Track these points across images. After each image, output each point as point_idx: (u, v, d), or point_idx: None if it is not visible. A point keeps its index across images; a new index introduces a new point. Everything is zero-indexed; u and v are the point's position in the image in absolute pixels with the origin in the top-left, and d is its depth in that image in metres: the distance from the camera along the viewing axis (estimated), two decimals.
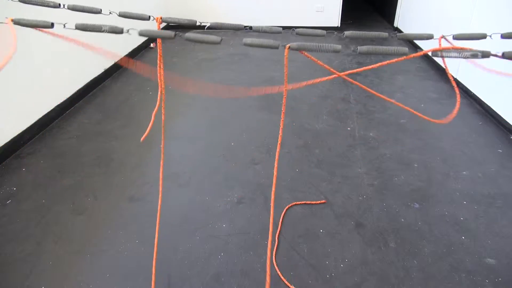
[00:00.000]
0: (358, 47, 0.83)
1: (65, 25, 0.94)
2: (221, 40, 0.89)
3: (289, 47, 0.83)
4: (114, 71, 3.85)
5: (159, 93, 0.99)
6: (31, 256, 1.66)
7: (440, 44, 1.13)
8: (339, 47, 0.82)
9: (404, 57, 0.81)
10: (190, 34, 0.91)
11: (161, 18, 1.21)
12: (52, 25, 0.94)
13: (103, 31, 0.91)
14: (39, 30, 0.96)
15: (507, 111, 2.68)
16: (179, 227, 1.83)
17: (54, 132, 2.70)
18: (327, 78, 1.10)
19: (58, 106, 2.90)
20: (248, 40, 0.88)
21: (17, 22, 0.95)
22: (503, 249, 1.68)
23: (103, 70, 3.63)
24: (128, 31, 0.92)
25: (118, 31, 0.92)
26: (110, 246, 1.71)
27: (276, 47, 0.85)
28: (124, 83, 3.63)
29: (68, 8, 1.32)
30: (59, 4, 1.34)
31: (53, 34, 0.98)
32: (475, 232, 1.78)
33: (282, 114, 0.95)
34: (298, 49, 0.82)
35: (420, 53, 0.84)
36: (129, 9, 1.44)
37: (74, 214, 1.91)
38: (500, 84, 2.80)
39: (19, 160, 2.37)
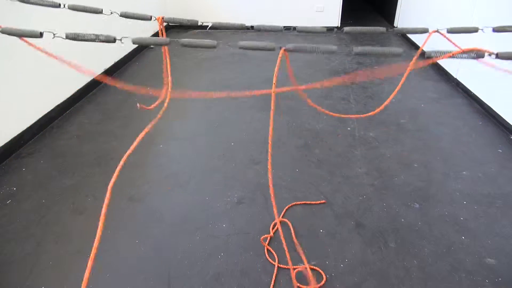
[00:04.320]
0: (354, 48, 0.83)
1: (55, 34, 0.92)
2: (217, 44, 0.89)
3: (285, 49, 0.83)
4: (114, 71, 3.85)
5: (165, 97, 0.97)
6: (31, 256, 1.66)
7: (427, 38, 1.15)
8: (334, 47, 0.83)
9: (407, 65, 0.81)
10: (186, 40, 0.91)
11: (162, 18, 1.21)
12: (41, 35, 0.92)
13: (95, 41, 0.90)
14: (24, 40, 0.93)
15: (507, 111, 2.68)
16: (179, 227, 1.83)
17: (54, 132, 2.70)
18: (312, 85, 1.10)
19: (58, 106, 2.90)
20: (243, 42, 0.88)
21: (4, 31, 0.93)
22: (503, 249, 1.68)
23: (103, 70, 3.63)
24: (121, 39, 0.91)
25: (110, 40, 0.91)
26: (110, 246, 1.71)
27: (272, 49, 0.85)
28: (124, 83, 3.62)
29: (69, 8, 1.32)
30: (59, 4, 1.34)
31: (34, 47, 0.96)
32: (475, 232, 1.78)
33: (271, 116, 0.95)
34: (294, 51, 0.83)
35: (415, 56, 0.84)
36: (130, 9, 1.44)
37: (74, 214, 1.91)
38: (500, 84, 2.79)
39: (19, 160, 2.37)
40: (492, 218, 1.86)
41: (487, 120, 2.84)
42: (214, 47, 0.90)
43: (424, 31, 1.15)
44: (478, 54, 0.76)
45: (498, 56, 0.75)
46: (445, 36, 1.12)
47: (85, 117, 2.93)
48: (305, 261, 1.58)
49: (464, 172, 2.22)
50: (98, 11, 1.38)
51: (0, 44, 2.33)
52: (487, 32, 1.07)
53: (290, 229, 1.80)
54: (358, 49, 0.82)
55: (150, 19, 1.37)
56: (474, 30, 1.09)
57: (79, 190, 2.08)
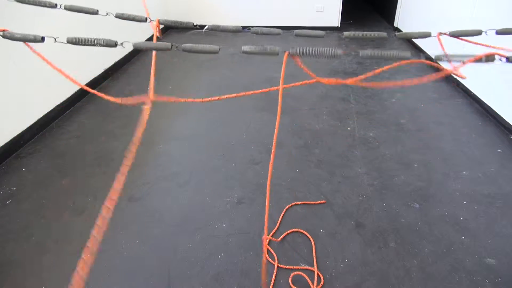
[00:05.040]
0: (360, 51, 0.83)
1: (56, 39, 0.92)
2: (219, 49, 0.89)
3: (289, 53, 0.83)
4: (114, 71, 3.85)
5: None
6: (31, 256, 1.66)
7: (440, 40, 1.13)
8: (339, 51, 0.82)
9: (407, 61, 0.81)
10: (188, 45, 0.90)
11: (158, 20, 1.20)
12: (42, 39, 0.93)
13: (96, 45, 0.90)
14: (27, 45, 0.93)
15: (507, 111, 2.68)
16: (179, 227, 1.83)
17: (54, 132, 2.70)
18: (302, 83, 1.10)
19: (58, 106, 2.90)
20: (247, 47, 0.88)
21: (6, 36, 0.93)
22: (503, 249, 1.68)
23: (103, 70, 3.63)
24: (122, 44, 0.91)
25: (111, 44, 0.91)
26: (110, 246, 1.71)
27: (276, 54, 0.85)
28: (124, 83, 3.63)
29: (65, 9, 1.32)
30: (56, 4, 1.34)
31: (37, 54, 0.96)
32: (475, 232, 1.78)
33: (278, 114, 0.95)
34: (298, 55, 0.82)
35: (419, 61, 0.84)
36: (128, 10, 1.44)
37: (74, 214, 1.91)
38: (500, 84, 2.79)
39: (19, 160, 2.37)
40: (492, 218, 1.86)
41: (487, 120, 2.84)
42: (216, 52, 0.90)
43: (426, 35, 1.14)
44: (488, 59, 0.76)
45: (509, 60, 0.75)
46: (448, 36, 1.12)
47: (85, 117, 2.93)
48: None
49: (464, 172, 2.22)
50: (94, 12, 1.38)
51: (0, 44, 2.33)
52: (490, 35, 1.07)
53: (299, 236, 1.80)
54: (366, 53, 0.82)
55: (146, 21, 1.37)
56: (478, 33, 1.09)
57: (79, 190, 2.08)
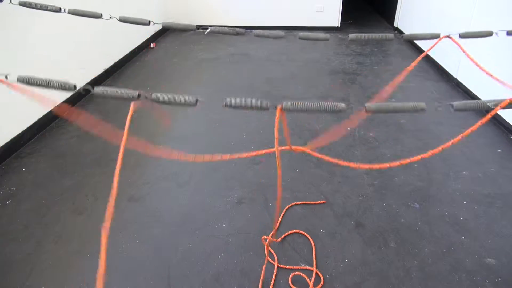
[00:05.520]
0: (366, 105, 0.72)
1: (7, 76, 0.86)
2: (196, 102, 0.80)
3: (281, 108, 0.71)
4: (114, 71, 3.85)
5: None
6: (31, 256, 1.66)
7: (436, 43, 1.12)
8: (342, 105, 0.71)
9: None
10: (159, 96, 0.81)
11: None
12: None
13: (51, 87, 0.82)
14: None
15: (507, 111, 2.68)
16: (179, 227, 1.83)
17: (54, 132, 2.70)
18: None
19: (58, 106, 2.89)
20: (231, 100, 0.75)
21: None
22: (503, 249, 1.68)
23: (103, 70, 3.63)
24: (81, 89, 0.84)
25: (68, 87, 0.82)
26: (110, 246, 1.71)
27: (267, 109, 0.72)
28: (124, 83, 3.62)
29: (69, 13, 1.32)
30: (60, 8, 1.34)
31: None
32: (475, 232, 1.78)
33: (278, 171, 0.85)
34: (291, 110, 0.70)
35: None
36: (130, 12, 1.44)
37: (74, 214, 1.91)
38: (500, 84, 2.79)
39: (19, 160, 2.37)
40: (492, 218, 1.86)
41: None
42: (194, 104, 0.81)
43: (434, 36, 1.12)
44: (497, 103, 0.73)
45: None
46: (456, 43, 1.10)
47: (85, 117, 2.93)
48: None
49: (464, 172, 2.22)
50: (98, 16, 1.39)
51: (0, 45, 2.33)
52: (501, 36, 1.05)
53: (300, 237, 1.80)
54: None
55: (149, 24, 1.38)
56: (488, 34, 1.07)
57: (79, 190, 2.08)
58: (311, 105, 0.68)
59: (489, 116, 0.75)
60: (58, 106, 2.52)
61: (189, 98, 0.75)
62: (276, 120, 0.73)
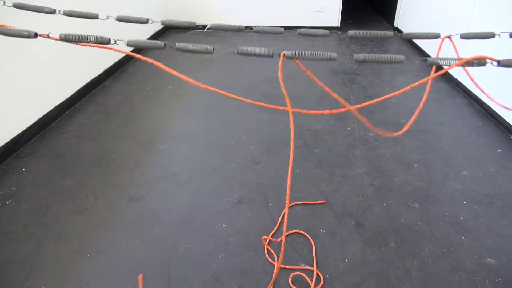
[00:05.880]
0: (355, 55, 0.82)
1: (49, 34, 0.90)
2: (213, 49, 0.88)
3: (284, 54, 0.82)
4: (114, 71, 3.85)
5: None
6: (31, 256, 1.66)
7: (440, 45, 1.12)
8: (334, 55, 0.82)
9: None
10: (181, 45, 0.89)
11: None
12: (35, 35, 0.90)
13: (89, 42, 0.87)
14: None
15: (507, 111, 2.68)
16: (179, 227, 1.83)
17: (54, 132, 2.70)
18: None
19: (58, 106, 2.90)
20: (242, 48, 0.88)
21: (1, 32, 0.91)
22: (503, 249, 1.68)
23: (103, 70, 3.63)
24: (115, 41, 0.89)
25: (104, 41, 0.86)
26: (110, 246, 1.71)
27: (271, 56, 0.84)
28: (124, 83, 3.62)
29: (64, 14, 1.31)
30: (55, 10, 1.34)
31: None
32: (475, 232, 1.78)
33: (291, 142, 0.93)
34: (293, 58, 0.82)
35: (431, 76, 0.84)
36: (129, 10, 1.44)
37: (74, 214, 1.91)
38: (500, 84, 2.79)
39: (19, 160, 2.37)
40: (492, 218, 1.86)
41: (487, 120, 2.84)
42: (211, 52, 0.90)
43: (435, 36, 1.12)
44: (480, 62, 0.75)
45: (500, 63, 0.75)
46: (453, 43, 1.10)
47: (85, 117, 2.93)
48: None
49: (464, 172, 2.22)
50: (94, 17, 1.38)
51: (0, 45, 2.33)
52: (504, 38, 1.05)
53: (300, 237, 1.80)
54: (360, 56, 0.82)
55: (147, 22, 1.38)
56: (491, 35, 1.07)
57: (79, 190, 2.08)
58: (309, 55, 0.80)
59: (440, 73, 0.81)
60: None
61: (206, 47, 0.88)
62: (280, 65, 0.85)
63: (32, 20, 2.59)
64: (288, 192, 0.99)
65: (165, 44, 0.88)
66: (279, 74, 0.88)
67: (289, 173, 0.97)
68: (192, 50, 0.88)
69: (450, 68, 0.77)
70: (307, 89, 3.50)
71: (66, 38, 0.90)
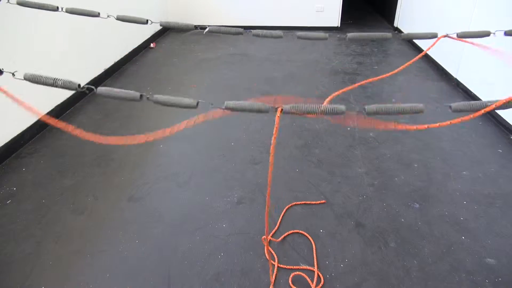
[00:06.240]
0: (366, 107, 0.73)
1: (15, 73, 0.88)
2: (197, 104, 0.80)
3: (281, 110, 0.73)
4: (114, 71, 3.85)
5: None
6: (31, 256, 1.66)
7: (434, 43, 1.12)
8: (342, 108, 0.72)
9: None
10: (160, 97, 0.80)
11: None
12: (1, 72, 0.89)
13: (56, 86, 0.83)
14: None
15: (507, 111, 2.68)
16: (179, 227, 1.83)
17: (54, 132, 2.70)
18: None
19: (58, 106, 2.90)
20: (231, 103, 0.76)
21: None
22: (503, 249, 1.68)
23: (103, 70, 3.63)
24: (84, 87, 0.83)
25: (72, 87, 0.79)
26: (110, 246, 1.71)
27: (266, 111, 0.72)
28: (124, 83, 3.62)
29: (67, 12, 1.32)
30: (57, 7, 1.35)
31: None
32: (475, 232, 1.78)
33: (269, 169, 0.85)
34: (291, 112, 0.71)
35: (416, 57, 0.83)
36: (128, 11, 1.45)
37: (74, 214, 1.91)
38: (500, 84, 2.79)
39: (19, 160, 2.37)
40: (492, 218, 1.86)
41: (487, 120, 2.84)
42: (194, 107, 0.82)
43: (433, 36, 1.12)
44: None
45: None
46: (456, 39, 1.10)
47: (85, 117, 2.93)
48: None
49: (464, 172, 2.22)
50: (95, 15, 1.39)
51: (0, 45, 2.33)
52: (498, 36, 1.05)
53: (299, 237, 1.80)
54: (372, 108, 0.76)
55: (146, 22, 1.39)
56: (486, 34, 1.08)
57: (79, 190, 2.08)
58: (308, 108, 0.68)
59: (481, 112, 0.76)
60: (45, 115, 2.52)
61: (189, 101, 0.76)
62: (276, 123, 0.73)
63: (37, 18, 2.60)
64: (268, 191, 0.96)
65: (141, 95, 0.82)
66: (274, 133, 0.78)
67: (269, 173, 0.95)
68: (173, 104, 0.82)
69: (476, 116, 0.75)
70: (307, 89, 3.50)
71: (31, 79, 0.85)
